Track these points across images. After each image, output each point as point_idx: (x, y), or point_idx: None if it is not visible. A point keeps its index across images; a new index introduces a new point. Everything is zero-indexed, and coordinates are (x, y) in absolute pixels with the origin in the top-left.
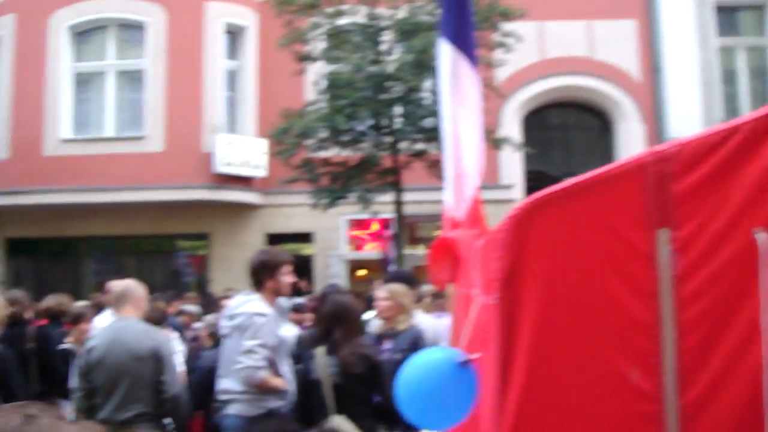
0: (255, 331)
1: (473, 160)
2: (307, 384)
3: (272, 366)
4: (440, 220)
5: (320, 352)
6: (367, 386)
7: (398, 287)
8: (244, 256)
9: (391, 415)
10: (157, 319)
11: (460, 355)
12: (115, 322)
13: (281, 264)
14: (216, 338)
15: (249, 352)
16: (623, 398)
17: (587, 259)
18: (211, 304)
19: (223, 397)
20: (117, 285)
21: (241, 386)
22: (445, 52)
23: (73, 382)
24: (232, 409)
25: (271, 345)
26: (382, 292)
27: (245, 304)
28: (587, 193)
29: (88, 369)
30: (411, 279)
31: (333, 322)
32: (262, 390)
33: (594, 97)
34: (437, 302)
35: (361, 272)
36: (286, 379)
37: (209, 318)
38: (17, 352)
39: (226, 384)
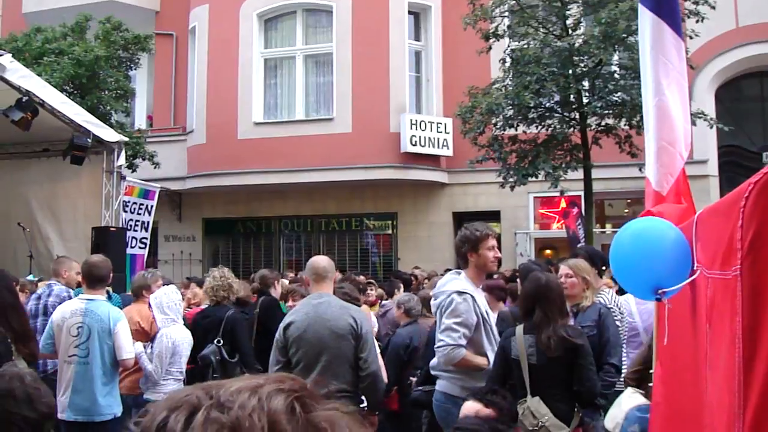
0: (453, 309)
1: (680, 132)
2: (506, 362)
3: (473, 345)
4: (630, 197)
5: (519, 330)
6: (565, 369)
7: (581, 263)
8: (431, 235)
9: (587, 399)
10: (353, 296)
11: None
12: (312, 297)
13: (484, 238)
14: (411, 315)
15: (448, 329)
16: None
17: None
18: (392, 283)
19: (434, 372)
20: (316, 261)
21: (443, 364)
22: (645, 20)
23: (272, 356)
24: (439, 386)
25: (471, 323)
26: (565, 268)
27: (448, 283)
28: None
29: (286, 344)
30: (597, 255)
31: (533, 300)
32: (463, 367)
33: None
34: None
35: (548, 251)
36: (489, 358)
37: (403, 296)
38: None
39: (435, 360)
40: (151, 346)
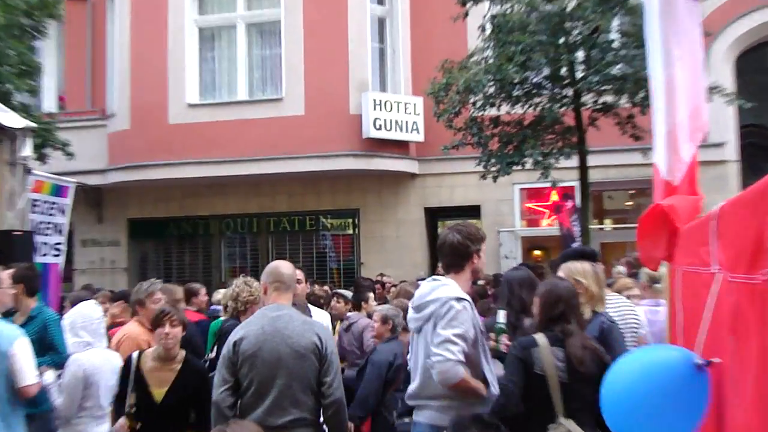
0: (452, 319)
1: (693, 111)
2: (527, 378)
3: (470, 364)
4: (634, 187)
5: (543, 341)
6: (595, 389)
7: (579, 266)
8: (400, 235)
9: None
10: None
11: (694, 356)
12: (269, 309)
13: (484, 239)
14: (395, 330)
15: (446, 342)
16: None
17: None
18: (361, 292)
19: (412, 401)
20: (280, 267)
21: (434, 388)
22: None
23: (218, 375)
24: (421, 416)
25: (470, 337)
26: (560, 272)
27: (438, 290)
28: None
29: (237, 362)
30: (592, 256)
31: (559, 308)
32: (460, 392)
33: None
34: (654, 287)
35: (538, 252)
36: (489, 380)
37: (388, 308)
38: None
39: (416, 385)
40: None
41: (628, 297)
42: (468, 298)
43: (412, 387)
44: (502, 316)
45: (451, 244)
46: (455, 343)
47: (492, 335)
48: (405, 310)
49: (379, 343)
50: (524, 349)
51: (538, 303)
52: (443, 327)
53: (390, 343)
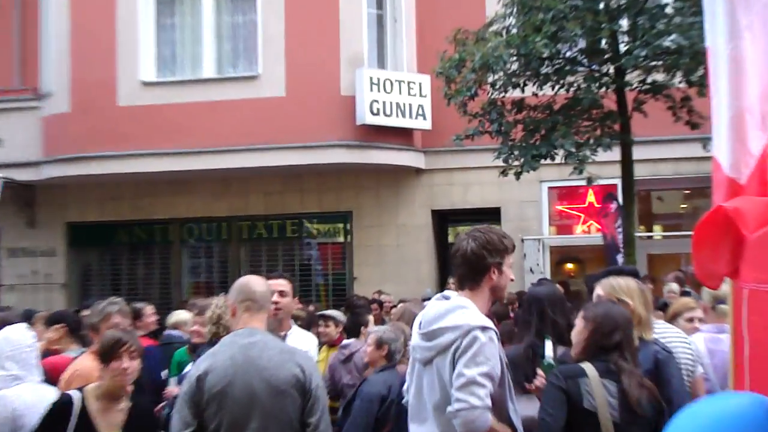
0: (476, 354)
1: (765, 92)
2: (574, 413)
3: (495, 407)
4: (689, 186)
5: (593, 372)
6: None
7: (624, 283)
8: (401, 244)
9: None
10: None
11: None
12: (240, 335)
13: (511, 250)
14: (393, 358)
15: (470, 385)
16: None
17: None
18: (359, 314)
19: None
20: (250, 284)
21: None
22: None
23: (176, 417)
24: None
25: (497, 375)
26: (599, 289)
27: (455, 314)
28: None
29: (201, 401)
30: (633, 276)
31: (612, 336)
32: None
33: None
34: (718, 309)
35: (570, 265)
36: (515, 424)
37: (385, 330)
38: None
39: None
40: None
41: (690, 320)
42: (493, 326)
43: None
44: (549, 348)
45: (463, 253)
46: (482, 386)
47: (541, 373)
48: (406, 335)
49: (371, 372)
50: (569, 378)
51: (589, 328)
52: (466, 364)
53: (384, 372)
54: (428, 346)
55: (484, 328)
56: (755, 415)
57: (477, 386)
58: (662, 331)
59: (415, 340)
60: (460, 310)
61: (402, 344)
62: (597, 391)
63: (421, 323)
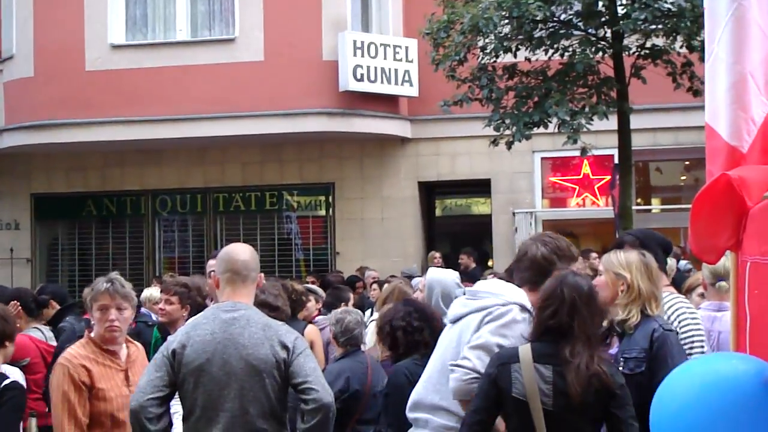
0: (504, 325)
1: None
2: (496, 401)
3: None
4: (690, 157)
5: (526, 355)
6: (592, 424)
7: (623, 256)
8: (387, 217)
9: None
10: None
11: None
12: (222, 308)
13: (575, 260)
14: (348, 343)
15: (482, 348)
16: None
17: None
18: (341, 290)
19: (413, 414)
20: (233, 252)
21: (446, 398)
22: None
23: (144, 379)
24: None
25: None
26: (600, 264)
27: (504, 287)
28: None
29: (177, 374)
30: (654, 241)
31: (563, 313)
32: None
33: None
34: (719, 287)
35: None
36: None
37: (338, 312)
38: None
39: (423, 395)
40: None
41: (702, 296)
42: (532, 312)
43: (420, 393)
44: None
45: (533, 257)
46: (493, 353)
47: None
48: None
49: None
50: (499, 365)
51: (537, 306)
52: (491, 330)
53: (344, 360)
54: (465, 303)
55: (523, 308)
56: (752, 378)
57: (486, 351)
58: (671, 302)
59: (457, 305)
60: (512, 287)
61: (357, 323)
62: (527, 378)
63: (471, 290)
